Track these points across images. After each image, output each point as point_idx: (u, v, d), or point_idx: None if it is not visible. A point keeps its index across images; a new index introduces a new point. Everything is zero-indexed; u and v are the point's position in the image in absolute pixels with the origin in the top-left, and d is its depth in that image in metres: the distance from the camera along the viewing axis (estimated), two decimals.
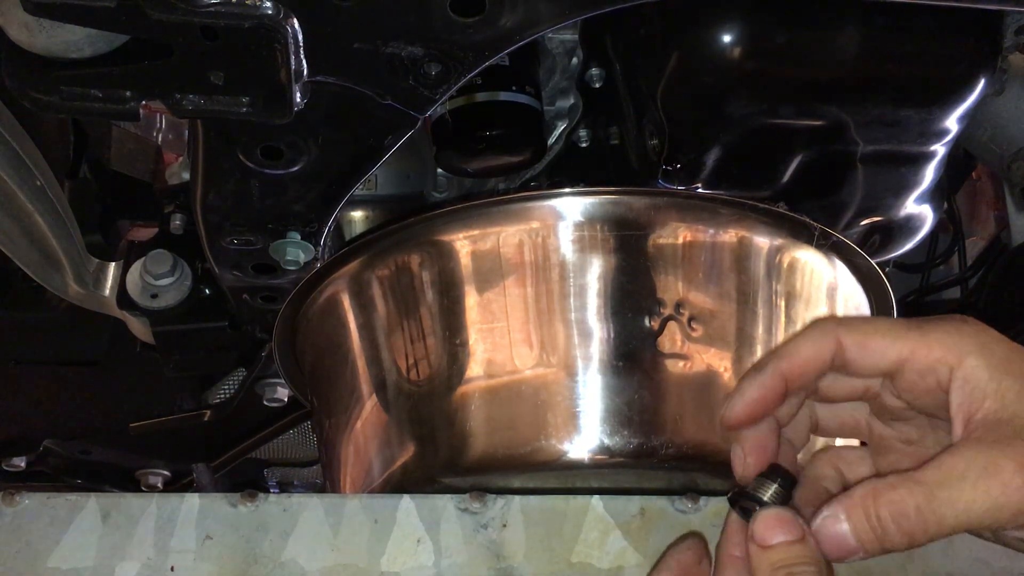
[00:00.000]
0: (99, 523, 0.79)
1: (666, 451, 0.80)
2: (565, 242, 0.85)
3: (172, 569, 0.77)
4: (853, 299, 0.95)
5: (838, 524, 0.57)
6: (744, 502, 0.60)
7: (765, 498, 0.59)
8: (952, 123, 0.90)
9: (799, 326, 0.88)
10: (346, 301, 0.93)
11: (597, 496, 0.80)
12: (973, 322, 0.60)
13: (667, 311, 0.83)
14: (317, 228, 0.89)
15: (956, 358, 0.57)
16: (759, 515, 0.58)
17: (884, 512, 0.55)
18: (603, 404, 0.82)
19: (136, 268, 1.07)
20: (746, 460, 0.62)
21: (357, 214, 1.11)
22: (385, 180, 1.10)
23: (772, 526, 0.57)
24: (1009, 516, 0.54)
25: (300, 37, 0.70)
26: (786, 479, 0.60)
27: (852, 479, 0.65)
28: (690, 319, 0.84)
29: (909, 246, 1.03)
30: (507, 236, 0.85)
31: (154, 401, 1.33)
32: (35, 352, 1.29)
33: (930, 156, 0.93)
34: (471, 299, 0.85)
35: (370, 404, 0.90)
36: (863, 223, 0.98)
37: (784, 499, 0.60)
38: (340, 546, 0.78)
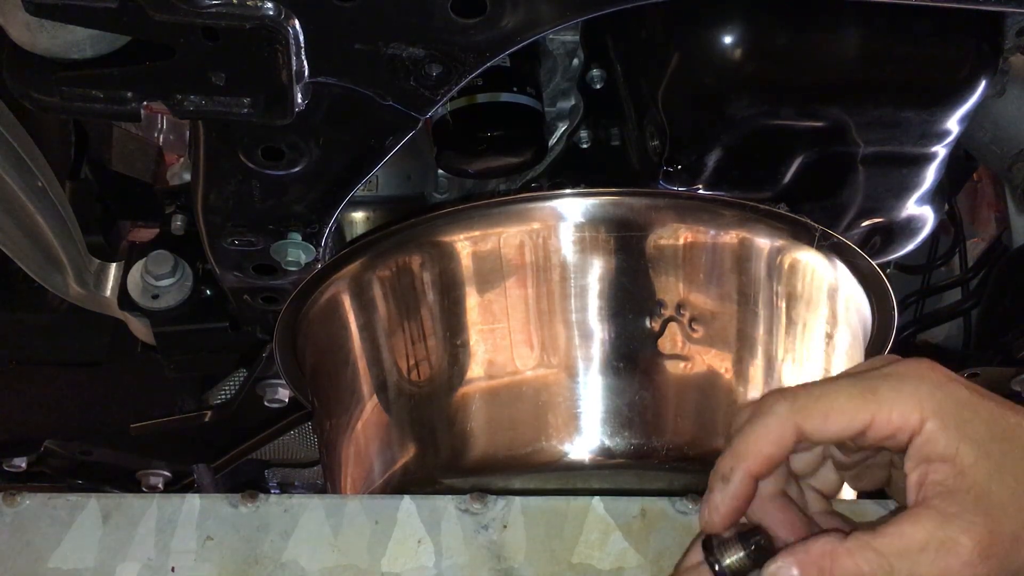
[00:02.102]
0: (100, 524, 0.79)
1: (667, 452, 0.80)
2: (566, 243, 0.85)
3: (173, 570, 0.77)
4: (854, 300, 0.95)
5: None
6: (708, 557, 0.60)
7: (724, 563, 0.59)
8: (953, 124, 0.90)
9: (800, 327, 0.88)
10: (347, 302, 0.93)
11: (598, 497, 0.80)
12: (931, 373, 0.58)
13: (668, 312, 0.83)
14: (318, 229, 0.89)
15: (916, 423, 0.56)
16: None
17: None
18: (604, 405, 0.82)
19: (137, 269, 1.07)
20: (720, 509, 0.60)
21: (358, 215, 1.11)
22: (386, 181, 1.10)
23: None
24: None
25: (301, 38, 0.70)
26: (761, 551, 0.59)
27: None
28: (691, 320, 0.84)
29: (910, 247, 1.03)
30: (508, 237, 0.85)
31: (155, 402, 1.33)
32: (36, 353, 1.29)
33: (931, 157, 0.93)
34: (472, 300, 0.85)
35: (371, 405, 0.90)
36: (864, 224, 0.98)
37: (746, 570, 0.59)
38: (341, 547, 0.78)
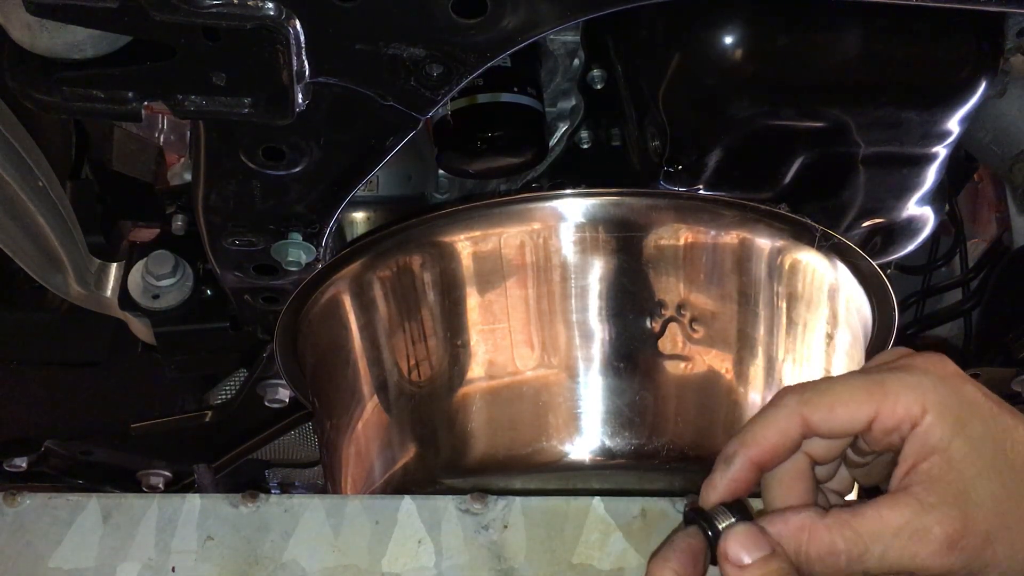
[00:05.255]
0: (100, 524, 0.79)
1: (667, 452, 0.80)
2: (566, 243, 0.85)
3: (173, 570, 0.77)
4: (854, 301, 0.95)
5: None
6: (700, 522, 0.61)
7: (721, 526, 0.60)
8: (954, 125, 0.90)
9: (801, 328, 0.88)
10: (347, 302, 0.93)
11: (598, 497, 0.80)
12: (937, 368, 0.59)
13: (668, 312, 0.83)
14: (319, 229, 0.89)
15: (917, 415, 0.58)
16: (731, 532, 0.59)
17: (814, 552, 0.57)
18: (604, 405, 0.82)
19: (138, 269, 1.07)
20: (718, 488, 0.62)
21: (359, 215, 1.11)
22: (387, 181, 1.10)
23: (744, 543, 0.58)
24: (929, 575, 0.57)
25: (302, 38, 0.70)
26: (744, 515, 0.60)
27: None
28: (691, 320, 0.84)
29: (911, 248, 1.03)
30: (508, 237, 0.85)
31: (155, 402, 1.33)
32: (37, 353, 1.29)
33: (932, 158, 0.93)
34: (472, 300, 0.85)
35: (371, 405, 0.90)
36: (865, 225, 0.98)
37: None
38: (341, 547, 0.78)
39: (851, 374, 0.62)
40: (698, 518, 0.61)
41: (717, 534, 0.59)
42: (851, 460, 0.65)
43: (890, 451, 0.61)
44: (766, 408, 0.62)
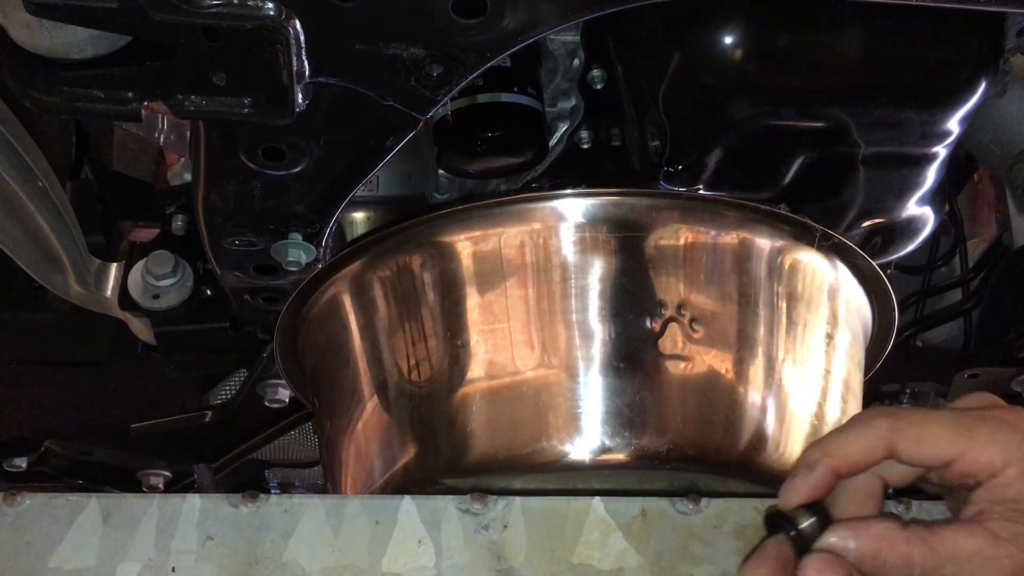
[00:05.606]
0: (100, 524, 0.79)
1: (667, 452, 0.81)
2: (567, 243, 0.85)
3: (173, 570, 0.77)
4: (854, 301, 0.95)
5: (846, 548, 0.61)
6: (783, 523, 0.64)
7: (801, 525, 0.63)
8: (953, 125, 0.90)
9: (800, 328, 0.88)
10: (347, 302, 0.93)
11: (598, 497, 0.80)
12: None
13: (669, 312, 0.83)
14: (319, 229, 0.89)
15: (998, 467, 0.61)
16: (810, 558, 0.61)
17: (891, 560, 0.60)
18: (604, 405, 0.82)
19: (138, 269, 1.07)
20: (799, 491, 0.64)
21: (359, 215, 1.11)
22: (387, 181, 1.10)
23: (822, 570, 0.61)
24: None
25: (302, 38, 0.70)
26: (824, 517, 0.63)
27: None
28: (691, 320, 0.84)
29: (911, 248, 1.03)
30: (508, 237, 0.85)
31: (155, 402, 1.33)
32: (37, 353, 1.29)
33: (932, 158, 0.93)
34: (472, 300, 0.85)
35: (371, 405, 0.90)
36: (865, 225, 0.98)
37: (817, 534, 0.63)
38: (341, 547, 0.78)
39: (943, 413, 0.64)
40: (782, 521, 0.63)
41: (801, 534, 0.62)
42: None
43: (962, 489, 0.63)
44: (854, 424, 0.64)
